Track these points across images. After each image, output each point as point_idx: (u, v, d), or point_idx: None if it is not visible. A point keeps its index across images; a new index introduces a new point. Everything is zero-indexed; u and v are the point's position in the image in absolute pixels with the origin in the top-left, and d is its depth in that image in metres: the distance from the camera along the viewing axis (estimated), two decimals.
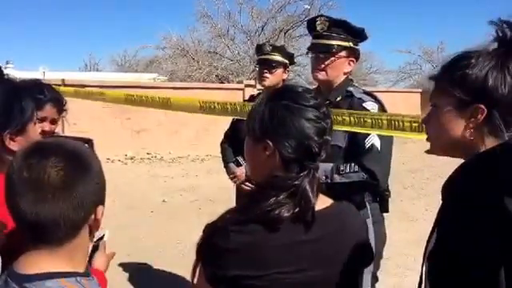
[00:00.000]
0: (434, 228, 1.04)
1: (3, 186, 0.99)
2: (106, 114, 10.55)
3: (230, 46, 20.26)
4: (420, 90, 18.76)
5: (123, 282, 4.06)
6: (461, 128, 1.04)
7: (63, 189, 0.95)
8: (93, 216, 1.01)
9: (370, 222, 2.09)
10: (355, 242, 1.22)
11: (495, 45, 1.05)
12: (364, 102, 2.21)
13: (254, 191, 1.23)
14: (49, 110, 2.07)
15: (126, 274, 4.23)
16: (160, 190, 7.89)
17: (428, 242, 1.04)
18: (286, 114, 1.17)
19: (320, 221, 1.15)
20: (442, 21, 55.05)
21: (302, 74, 20.66)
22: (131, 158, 11.07)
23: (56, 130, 2.16)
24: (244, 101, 3.62)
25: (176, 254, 4.67)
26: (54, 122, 2.11)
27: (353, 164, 2.10)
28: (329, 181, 2.08)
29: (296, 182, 1.14)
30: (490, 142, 1.02)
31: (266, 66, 3.16)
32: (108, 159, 10.23)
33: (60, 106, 2.14)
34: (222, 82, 18.46)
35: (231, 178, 3.17)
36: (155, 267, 4.45)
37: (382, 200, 2.27)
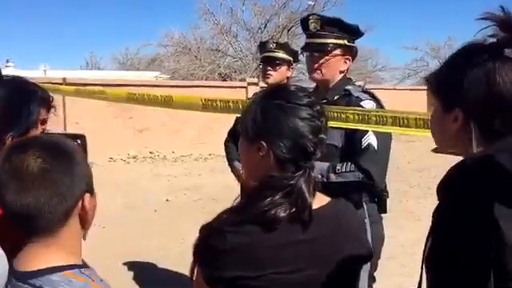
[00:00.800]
0: (431, 228, 1.03)
1: None
2: (108, 113, 10.53)
3: (233, 44, 20.28)
4: (426, 88, 18.68)
5: (127, 281, 4.05)
6: (452, 129, 1.03)
7: (42, 176, 0.96)
8: (80, 204, 1.02)
9: (367, 222, 2.07)
10: (353, 241, 1.21)
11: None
12: (362, 100, 2.20)
13: (249, 191, 1.21)
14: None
15: (131, 273, 4.23)
16: (163, 189, 7.88)
17: (426, 242, 1.03)
18: (279, 114, 1.15)
19: (317, 220, 1.13)
20: (450, 15, 53.62)
21: (305, 72, 20.58)
22: (134, 157, 11.06)
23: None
24: (247, 99, 3.60)
25: (180, 252, 4.66)
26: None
27: (349, 163, 2.08)
28: (325, 180, 2.05)
29: (292, 182, 1.13)
30: (477, 147, 1.00)
31: (269, 63, 3.12)
32: (110, 158, 10.25)
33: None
34: (224, 80, 18.47)
35: (237, 177, 3.13)
36: (159, 266, 4.44)
37: (379, 200, 2.25)
